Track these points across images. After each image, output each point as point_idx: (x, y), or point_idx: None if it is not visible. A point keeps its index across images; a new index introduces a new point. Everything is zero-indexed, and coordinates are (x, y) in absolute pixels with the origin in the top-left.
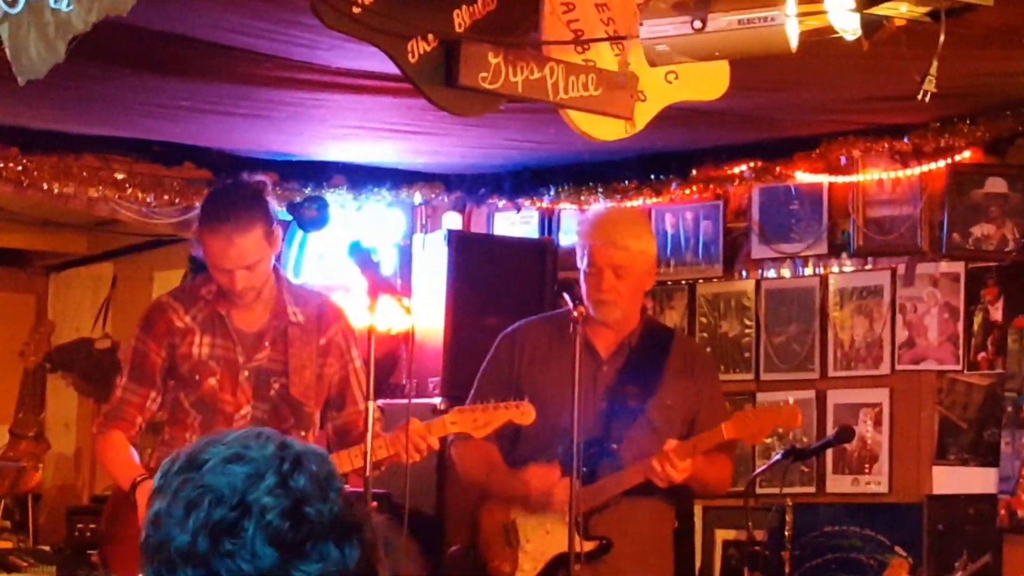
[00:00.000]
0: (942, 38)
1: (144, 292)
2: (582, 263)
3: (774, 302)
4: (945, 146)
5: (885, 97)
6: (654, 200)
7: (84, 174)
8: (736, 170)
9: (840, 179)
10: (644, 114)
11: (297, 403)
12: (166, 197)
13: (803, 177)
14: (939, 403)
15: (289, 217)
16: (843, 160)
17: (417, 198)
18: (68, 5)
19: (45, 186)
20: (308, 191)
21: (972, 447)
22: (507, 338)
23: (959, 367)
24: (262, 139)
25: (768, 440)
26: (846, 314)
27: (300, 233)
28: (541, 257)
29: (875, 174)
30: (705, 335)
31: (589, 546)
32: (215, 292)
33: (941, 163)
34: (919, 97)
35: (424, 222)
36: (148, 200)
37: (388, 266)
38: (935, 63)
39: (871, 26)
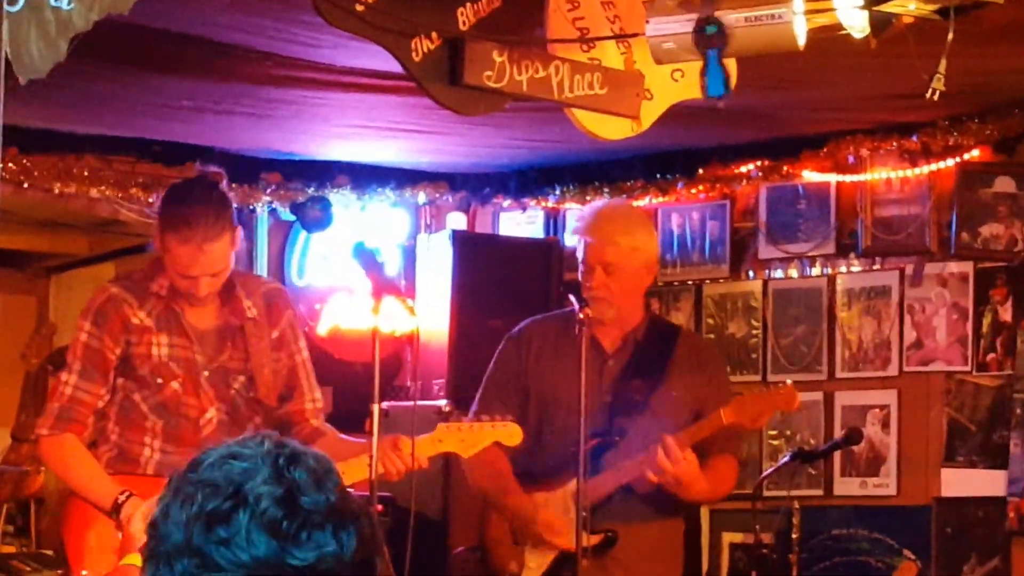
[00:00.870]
0: (951, 36)
1: None
2: (579, 259)
3: (781, 303)
4: (954, 145)
5: (893, 95)
6: (660, 200)
7: (85, 174)
8: (743, 169)
9: (848, 178)
10: (650, 113)
11: (262, 404)
12: None
13: (810, 176)
14: (947, 405)
15: (292, 217)
16: (851, 159)
17: (421, 198)
18: (69, 3)
19: (46, 186)
20: (312, 191)
21: (981, 449)
22: (513, 339)
23: (968, 368)
24: (265, 138)
25: (776, 443)
26: (854, 315)
27: (303, 233)
28: (547, 257)
29: (883, 173)
30: (712, 336)
31: (595, 539)
32: (168, 288)
33: (950, 162)
34: (928, 95)
35: (428, 222)
36: (150, 200)
37: (392, 267)
38: (944, 61)
39: (879, 24)
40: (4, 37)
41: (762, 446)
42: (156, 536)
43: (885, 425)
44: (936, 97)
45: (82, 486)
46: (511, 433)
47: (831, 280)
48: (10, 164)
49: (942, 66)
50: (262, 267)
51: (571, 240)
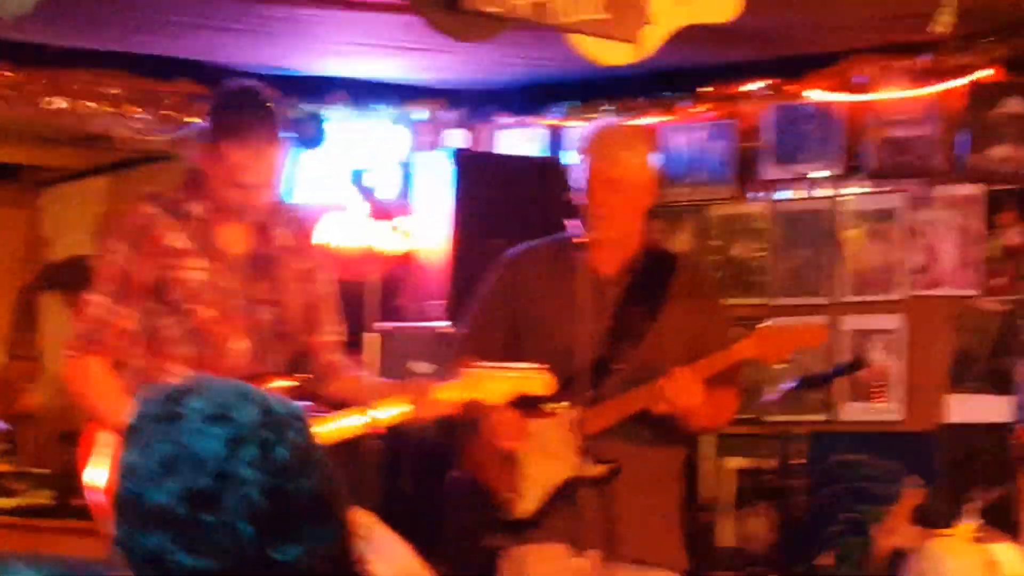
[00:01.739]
0: None
1: None
2: (581, 178)
3: (786, 225)
4: (964, 64)
5: (902, 14)
6: (664, 118)
7: (76, 88)
8: (748, 88)
9: (856, 98)
10: (654, 38)
11: (291, 337)
12: (161, 113)
13: (817, 96)
14: (954, 330)
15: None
16: (859, 79)
17: (420, 115)
18: None
19: (37, 101)
20: (306, 107)
21: (988, 375)
22: (504, 265)
23: (976, 293)
24: (259, 54)
25: (780, 367)
26: (860, 237)
27: (296, 150)
28: (548, 176)
29: (892, 93)
30: (716, 258)
31: (598, 470)
32: (207, 209)
33: (960, 82)
34: (930, 28)
35: (428, 139)
36: (142, 116)
37: (391, 185)
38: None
39: None
40: None
41: (767, 371)
42: (130, 487)
43: (891, 350)
44: (943, 30)
45: (101, 411)
46: (546, 383)
47: (837, 202)
48: (1, 78)
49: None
50: None
51: (573, 159)
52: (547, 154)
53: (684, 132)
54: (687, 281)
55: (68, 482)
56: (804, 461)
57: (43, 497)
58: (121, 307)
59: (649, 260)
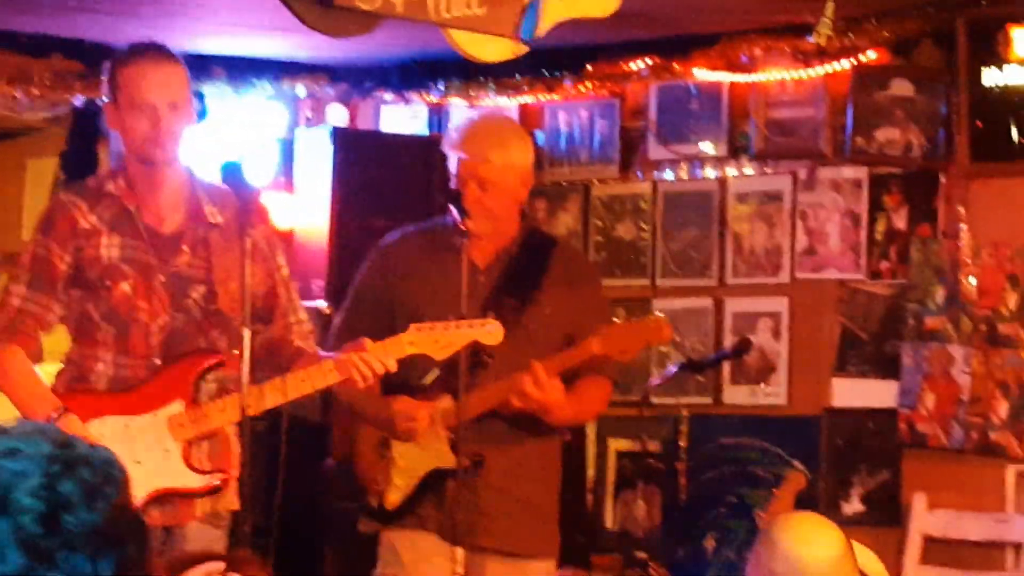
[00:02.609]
0: None
1: (16, 180)
2: (452, 173)
3: (671, 205)
4: (850, 46)
5: None
6: (547, 97)
7: None
8: (632, 66)
9: (741, 78)
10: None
11: (226, 318)
12: (35, 90)
13: (702, 75)
14: (840, 313)
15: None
16: (744, 59)
17: (300, 91)
18: None
19: None
20: None
21: (873, 359)
22: (379, 251)
23: (861, 276)
24: (135, 32)
25: (664, 349)
26: (745, 219)
27: None
28: (430, 154)
29: (777, 74)
30: (600, 239)
31: (462, 462)
32: (122, 187)
33: (846, 63)
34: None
35: (308, 116)
36: (15, 94)
37: (269, 162)
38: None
39: None
40: None
41: (651, 353)
42: None
43: (776, 333)
44: (823, 42)
45: (20, 401)
46: (492, 332)
47: (723, 183)
48: None
49: (829, 10)
50: None
51: (446, 150)
52: (429, 132)
53: (567, 111)
54: (564, 269)
55: None
56: (688, 444)
57: None
58: (39, 295)
59: (525, 248)
